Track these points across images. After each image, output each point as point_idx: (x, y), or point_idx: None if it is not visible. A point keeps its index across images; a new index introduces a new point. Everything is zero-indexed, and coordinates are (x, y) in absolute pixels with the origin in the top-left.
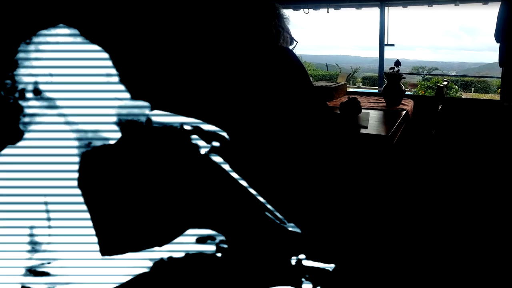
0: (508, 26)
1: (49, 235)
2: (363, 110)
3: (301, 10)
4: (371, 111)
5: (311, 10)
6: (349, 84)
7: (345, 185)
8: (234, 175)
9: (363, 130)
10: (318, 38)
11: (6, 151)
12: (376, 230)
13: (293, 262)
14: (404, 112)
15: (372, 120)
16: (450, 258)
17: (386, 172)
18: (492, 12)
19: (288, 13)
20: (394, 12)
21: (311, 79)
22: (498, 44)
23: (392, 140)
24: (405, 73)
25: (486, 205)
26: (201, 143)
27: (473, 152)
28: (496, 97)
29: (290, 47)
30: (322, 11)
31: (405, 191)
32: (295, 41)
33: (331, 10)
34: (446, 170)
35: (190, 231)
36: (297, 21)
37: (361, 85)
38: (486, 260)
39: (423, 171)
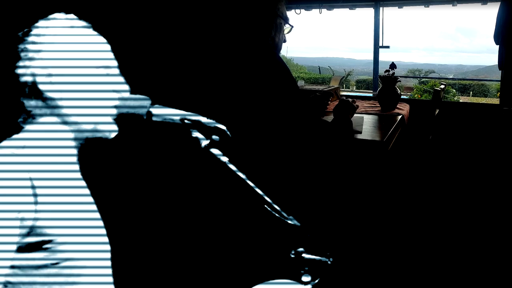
0: (508, 27)
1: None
2: (357, 115)
3: (293, 10)
4: (365, 116)
5: (302, 10)
6: (343, 88)
7: (334, 182)
8: (233, 167)
9: (357, 135)
10: (310, 40)
11: (4, 143)
12: (372, 234)
13: (292, 255)
14: (399, 117)
15: (367, 125)
16: (446, 261)
17: (381, 178)
18: (490, 13)
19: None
20: (389, 13)
21: (303, 82)
22: (498, 46)
23: (387, 146)
24: (400, 76)
25: (485, 213)
26: (201, 137)
27: (472, 158)
28: (496, 101)
29: (285, 31)
30: (314, 11)
31: (400, 198)
32: (290, 25)
33: (324, 10)
34: (443, 177)
35: None
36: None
37: (355, 88)
38: (483, 263)
39: (419, 178)
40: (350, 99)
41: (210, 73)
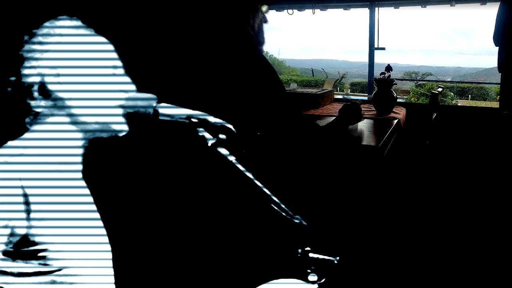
0: (508, 28)
1: (51, 226)
2: None
3: (285, 11)
4: None
5: (295, 11)
6: (337, 91)
7: (326, 185)
8: (240, 167)
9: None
10: (303, 41)
11: (10, 143)
12: (370, 237)
13: (299, 254)
14: (395, 121)
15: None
16: (445, 263)
17: (377, 185)
18: (488, 13)
19: (271, 14)
20: (384, 13)
21: (295, 85)
22: (497, 47)
23: (382, 151)
24: (396, 79)
25: (485, 219)
26: (208, 135)
27: (470, 164)
28: (495, 104)
29: (263, 11)
30: (308, 12)
31: (396, 204)
32: (266, 5)
33: (317, 11)
34: (441, 183)
35: None
36: (280, 23)
37: (349, 91)
38: (481, 267)
39: (416, 184)
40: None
41: (190, 71)
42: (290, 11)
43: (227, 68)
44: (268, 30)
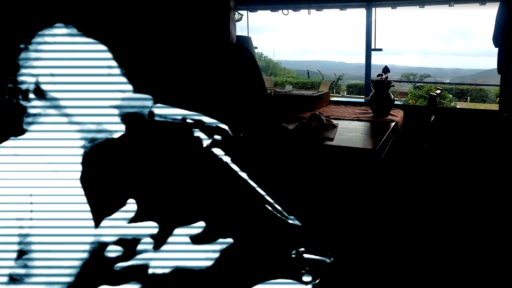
0: (507, 29)
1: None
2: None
3: (280, 11)
4: (356, 122)
5: (290, 11)
6: (333, 93)
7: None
8: (235, 167)
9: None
10: (298, 42)
11: (7, 143)
12: (368, 241)
13: (293, 255)
14: (393, 124)
15: (358, 133)
16: (442, 267)
17: (374, 189)
18: (487, 13)
19: (265, 14)
20: (381, 13)
21: (291, 87)
22: (497, 48)
23: (380, 155)
24: (394, 81)
25: (484, 223)
26: (203, 136)
27: (469, 167)
28: (495, 106)
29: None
30: (303, 12)
31: (394, 209)
32: (240, 14)
33: (313, 11)
34: (439, 187)
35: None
36: (275, 23)
37: (345, 93)
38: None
39: (414, 188)
40: (311, 122)
41: (183, 73)
42: (285, 11)
43: (210, 65)
44: (263, 31)
